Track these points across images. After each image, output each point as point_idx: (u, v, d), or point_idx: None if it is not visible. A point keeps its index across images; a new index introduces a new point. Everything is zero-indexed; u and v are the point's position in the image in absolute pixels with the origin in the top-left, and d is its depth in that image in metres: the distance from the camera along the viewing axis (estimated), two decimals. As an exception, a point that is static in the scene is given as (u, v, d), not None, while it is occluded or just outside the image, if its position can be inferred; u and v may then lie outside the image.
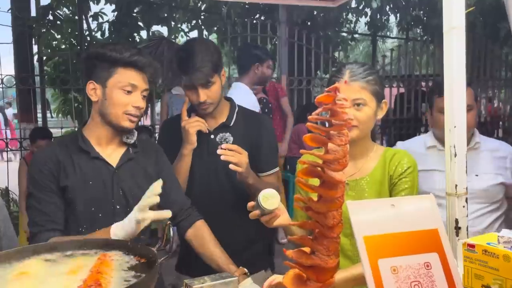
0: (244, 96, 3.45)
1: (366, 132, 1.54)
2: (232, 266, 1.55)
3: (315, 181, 0.68)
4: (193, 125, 1.77)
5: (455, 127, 1.69)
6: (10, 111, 12.47)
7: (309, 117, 0.66)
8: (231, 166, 1.65)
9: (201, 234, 1.63)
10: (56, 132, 7.64)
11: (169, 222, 1.29)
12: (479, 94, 7.55)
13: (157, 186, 1.33)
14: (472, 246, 1.03)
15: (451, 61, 1.70)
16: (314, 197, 0.68)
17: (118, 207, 1.55)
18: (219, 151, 1.66)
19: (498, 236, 1.01)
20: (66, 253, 1.28)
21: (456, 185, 1.70)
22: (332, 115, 0.65)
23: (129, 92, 1.53)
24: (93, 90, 1.55)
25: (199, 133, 1.83)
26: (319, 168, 0.65)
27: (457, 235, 1.70)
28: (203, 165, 1.84)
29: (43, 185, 1.50)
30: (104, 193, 1.55)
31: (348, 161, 0.66)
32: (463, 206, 1.73)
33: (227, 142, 1.81)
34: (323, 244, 0.66)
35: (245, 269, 1.54)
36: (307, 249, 0.69)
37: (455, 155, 1.70)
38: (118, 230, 1.36)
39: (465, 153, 1.72)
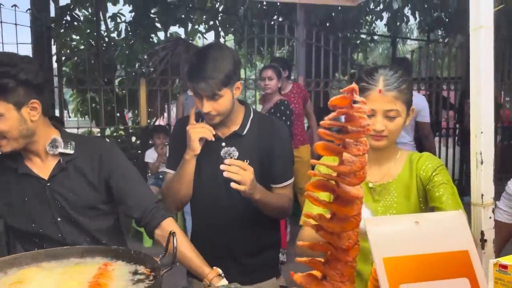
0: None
1: (394, 140, 1.50)
2: (206, 267, 1.47)
3: (328, 196, 0.59)
4: (196, 131, 1.66)
5: (482, 132, 1.61)
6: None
7: (322, 122, 0.57)
8: (232, 185, 1.54)
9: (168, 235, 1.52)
10: (73, 132, 7.69)
11: (173, 231, 1.22)
12: (503, 98, 7.35)
13: None
14: (505, 267, 0.93)
15: (478, 61, 1.62)
16: (327, 214, 0.59)
17: (59, 219, 1.52)
18: (222, 167, 1.55)
19: (534, 257, 0.91)
20: (66, 261, 1.23)
21: (482, 195, 1.61)
22: (348, 121, 0.56)
23: None
24: None
25: (211, 140, 1.73)
26: (332, 182, 0.57)
27: (483, 248, 1.60)
28: (213, 172, 1.74)
29: None
30: (41, 207, 1.51)
31: (366, 173, 0.57)
32: (490, 217, 1.64)
33: (231, 157, 1.71)
34: (337, 269, 0.57)
35: (219, 270, 1.46)
36: (317, 273, 0.60)
37: (482, 162, 1.61)
38: None
39: (492, 161, 1.62)
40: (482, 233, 1.65)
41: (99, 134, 6.55)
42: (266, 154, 1.74)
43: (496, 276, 0.94)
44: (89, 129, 6.65)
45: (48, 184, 1.51)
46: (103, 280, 1.09)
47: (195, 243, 1.64)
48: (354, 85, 0.57)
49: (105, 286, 1.06)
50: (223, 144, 1.74)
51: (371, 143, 1.45)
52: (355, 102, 0.57)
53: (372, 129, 1.40)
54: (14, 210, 1.52)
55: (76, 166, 1.53)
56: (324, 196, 0.60)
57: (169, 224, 1.54)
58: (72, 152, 1.52)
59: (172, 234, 1.19)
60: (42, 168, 1.52)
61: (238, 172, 1.53)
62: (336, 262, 0.57)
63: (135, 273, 1.16)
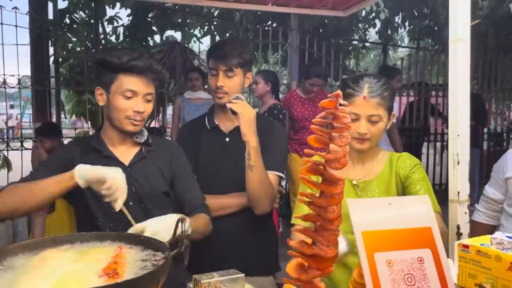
0: None
1: (376, 143, 1.63)
2: None
3: (318, 179, 0.75)
4: None
5: (458, 135, 1.74)
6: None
7: (313, 120, 0.73)
8: (228, 105, 1.70)
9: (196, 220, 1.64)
10: (69, 132, 7.78)
11: (180, 217, 1.35)
12: (490, 105, 7.57)
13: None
14: (467, 246, 1.09)
15: (455, 71, 1.75)
16: (316, 193, 0.75)
17: (131, 203, 1.60)
18: (228, 104, 1.72)
19: (491, 238, 1.07)
20: (83, 244, 1.36)
21: (458, 192, 1.75)
22: (334, 119, 0.72)
23: (129, 97, 1.57)
24: (100, 96, 1.62)
25: (215, 135, 1.88)
26: (321, 167, 0.72)
27: (459, 240, 1.75)
28: (217, 167, 1.88)
29: (48, 164, 1.64)
30: None
31: (347, 160, 0.73)
32: (465, 213, 1.78)
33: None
34: (324, 236, 0.73)
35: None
36: (308, 240, 0.75)
37: (458, 162, 1.75)
38: (84, 171, 1.44)
39: (468, 161, 1.76)
40: (458, 227, 1.79)
41: (94, 135, 6.65)
42: (263, 147, 1.81)
43: (460, 254, 1.10)
44: (86, 129, 6.74)
45: (128, 169, 1.62)
46: (119, 259, 1.23)
47: None
48: (339, 91, 0.73)
49: (121, 264, 1.19)
50: (227, 139, 1.88)
51: (355, 145, 1.57)
52: (340, 104, 0.73)
53: (357, 132, 1.52)
54: (91, 190, 1.58)
55: (153, 158, 1.67)
56: (314, 178, 0.75)
57: (201, 215, 1.66)
58: (151, 144, 1.68)
59: (180, 220, 1.33)
60: (123, 155, 1.66)
61: (242, 105, 1.70)
62: (323, 230, 0.73)
63: (147, 255, 1.29)
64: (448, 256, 1.19)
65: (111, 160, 1.63)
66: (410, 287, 0.78)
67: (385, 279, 0.78)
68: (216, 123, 1.91)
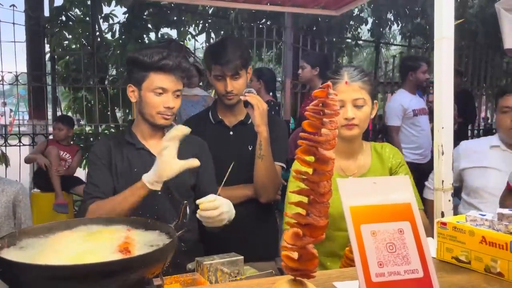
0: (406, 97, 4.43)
1: (363, 130, 1.68)
2: None
3: (311, 158, 0.86)
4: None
5: (443, 127, 1.84)
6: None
7: (307, 107, 0.84)
8: (242, 97, 1.83)
9: None
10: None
11: (186, 202, 1.45)
12: (480, 102, 7.72)
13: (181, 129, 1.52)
14: (444, 224, 1.21)
15: (440, 67, 1.85)
16: (310, 170, 0.86)
17: (160, 192, 1.68)
18: (242, 97, 1.84)
19: (466, 215, 1.19)
20: (94, 226, 1.46)
21: (442, 181, 1.87)
22: (325, 106, 0.83)
23: (160, 94, 1.67)
24: (132, 93, 1.72)
25: (219, 128, 1.98)
26: (314, 148, 0.84)
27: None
28: (222, 160, 1.94)
29: (97, 163, 1.71)
30: None
31: (336, 142, 0.84)
32: (449, 200, 1.88)
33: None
34: (316, 208, 0.84)
35: None
36: (303, 212, 0.87)
37: (443, 153, 1.86)
38: (149, 176, 1.54)
39: (451, 152, 1.87)
40: (442, 214, 1.90)
41: (90, 131, 6.73)
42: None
43: (439, 231, 1.22)
44: (82, 126, 6.80)
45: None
46: (129, 240, 1.33)
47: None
48: (329, 82, 0.84)
49: (131, 243, 1.29)
50: (231, 133, 1.98)
51: (344, 133, 1.62)
52: (330, 94, 0.84)
53: (344, 118, 1.58)
54: (124, 179, 1.70)
55: (181, 151, 1.70)
56: (308, 158, 0.87)
57: None
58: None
59: (185, 204, 1.44)
60: (154, 147, 1.75)
61: (256, 98, 1.81)
62: (315, 203, 0.84)
63: (154, 235, 1.39)
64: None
65: (143, 152, 1.73)
66: (392, 254, 0.89)
67: (369, 247, 0.89)
68: (220, 117, 2.01)
